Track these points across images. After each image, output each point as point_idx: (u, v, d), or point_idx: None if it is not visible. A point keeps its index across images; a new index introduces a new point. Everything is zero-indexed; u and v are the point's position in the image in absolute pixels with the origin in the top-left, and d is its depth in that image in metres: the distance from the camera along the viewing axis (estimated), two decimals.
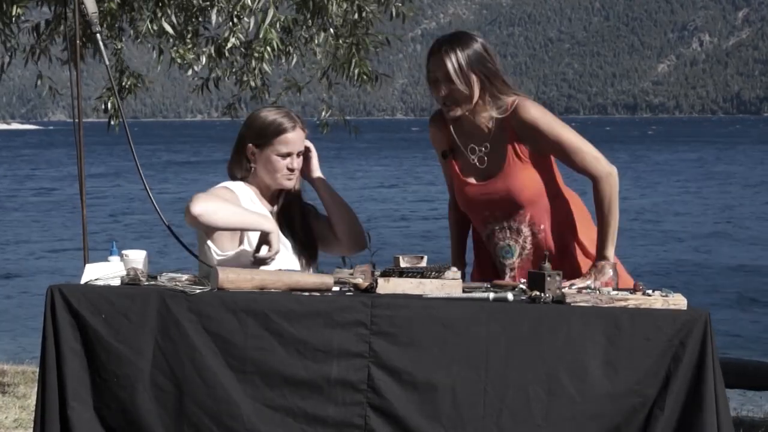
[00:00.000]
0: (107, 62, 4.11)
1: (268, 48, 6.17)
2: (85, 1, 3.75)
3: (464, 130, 3.73)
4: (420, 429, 3.08)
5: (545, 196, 3.71)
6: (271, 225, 3.52)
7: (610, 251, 3.63)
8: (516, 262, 3.73)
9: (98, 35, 3.85)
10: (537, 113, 3.63)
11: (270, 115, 3.65)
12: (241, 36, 6.35)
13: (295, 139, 3.63)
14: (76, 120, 3.73)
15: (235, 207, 3.52)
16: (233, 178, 3.71)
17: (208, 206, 3.43)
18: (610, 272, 3.58)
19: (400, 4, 6.82)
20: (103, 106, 6.85)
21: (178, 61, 6.51)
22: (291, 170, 3.64)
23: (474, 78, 3.60)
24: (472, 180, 3.73)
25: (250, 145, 3.65)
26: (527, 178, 3.68)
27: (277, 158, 3.62)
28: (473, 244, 3.91)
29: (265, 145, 3.63)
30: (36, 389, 3.24)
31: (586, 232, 3.76)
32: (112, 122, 6.86)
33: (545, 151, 3.68)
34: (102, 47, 3.94)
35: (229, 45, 6.33)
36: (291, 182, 3.68)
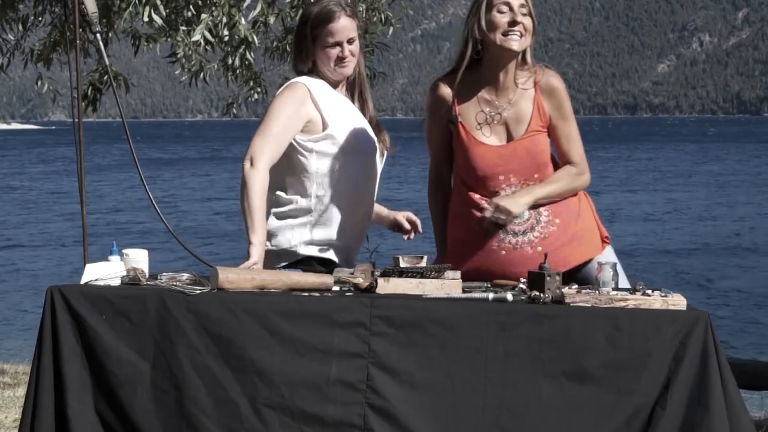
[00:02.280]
0: (107, 62, 4.11)
1: (254, 36, 6.15)
2: (85, 1, 3.75)
3: (487, 91, 3.67)
4: (419, 429, 3.08)
5: (550, 165, 3.73)
6: (257, 239, 3.51)
7: (529, 198, 3.61)
8: (525, 224, 3.66)
9: (98, 35, 3.85)
10: (561, 84, 3.71)
11: (318, 5, 3.65)
12: (225, 32, 6.28)
13: (340, 28, 3.63)
14: (76, 120, 3.73)
15: (258, 202, 3.53)
16: (299, 73, 3.74)
17: (254, 179, 3.52)
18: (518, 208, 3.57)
19: (390, 14, 6.82)
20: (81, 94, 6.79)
21: (157, 50, 6.46)
22: (342, 59, 3.66)
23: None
24: (491, 142, 3.67)
25: (306, 38, 3.68)
26: (545, 142, 3.69)
27: (327, 49, 3.65)
28: (451, 218, 3.78)
29: (317, 37, 3.65)
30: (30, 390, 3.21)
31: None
32: (91, 108, 6.81)
33: (555, 122, 3.68)
34: (102, 47, 3.94)
35: (195, 38, 6.22)
36: (347, 69, 3.70)
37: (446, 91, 3.69)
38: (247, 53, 6.46)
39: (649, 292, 3.21)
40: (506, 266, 3.63)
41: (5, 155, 69.86)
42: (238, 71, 6.84)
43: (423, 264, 3.42)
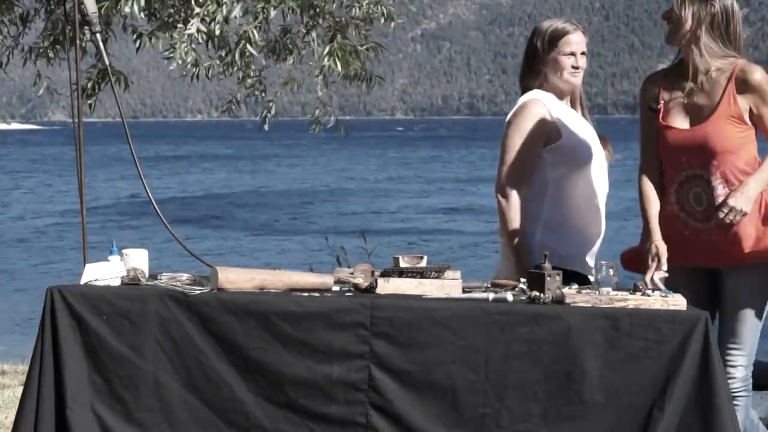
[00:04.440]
0: (107, 61, 4.11)
1: (254, 30, 6.11)
2: (85, 0, 3.74)
3: (684, 75, 3.91)
4: (421, 427, 3.11)
5: (742, 157, 3.80)
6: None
7: (755, 192, 3.68)
8: (704, 211, 3.77)
9: (98, 35, 3.84)
10: (763, 76, 3.87)
11: (553, 23, 4.07)
12: (221, 26, 6.23)
13: (577, 40, 4.04)
14: (76, 120, 3.72)
15: (515, 225, 3.81)
16: (527, 88, 4.06)
17: (511, 211, 3.83)
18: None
19: (392, 9, 6.75)
20: (83, 88, 6.75)
21: (152, 47, 6.40)
22: (575, 68, 4.03)
23: (690, 13, 3.83)
24: (677, 125, 3.87)
25: (541, 51, 4.02)
26: (729, 131, 3.80)
27: (563, 57, 3.99)
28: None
29: (553, 47, 4.00)
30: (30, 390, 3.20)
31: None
32: (89, 101, 6.78)
33: (760, 112, 3.83)
34: (102, 47, 3.94)
35: (190, 30, 6.17)
36: (577, 78, 4.05)
37: (653, 82, 3.99)
38: (248, 47, 6.41)
39: (650, 292, 3.21)
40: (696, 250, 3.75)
41: (1, 154, 69.84)
42: (237, 66, 6.78)
43: (423, 264, 3.41)
